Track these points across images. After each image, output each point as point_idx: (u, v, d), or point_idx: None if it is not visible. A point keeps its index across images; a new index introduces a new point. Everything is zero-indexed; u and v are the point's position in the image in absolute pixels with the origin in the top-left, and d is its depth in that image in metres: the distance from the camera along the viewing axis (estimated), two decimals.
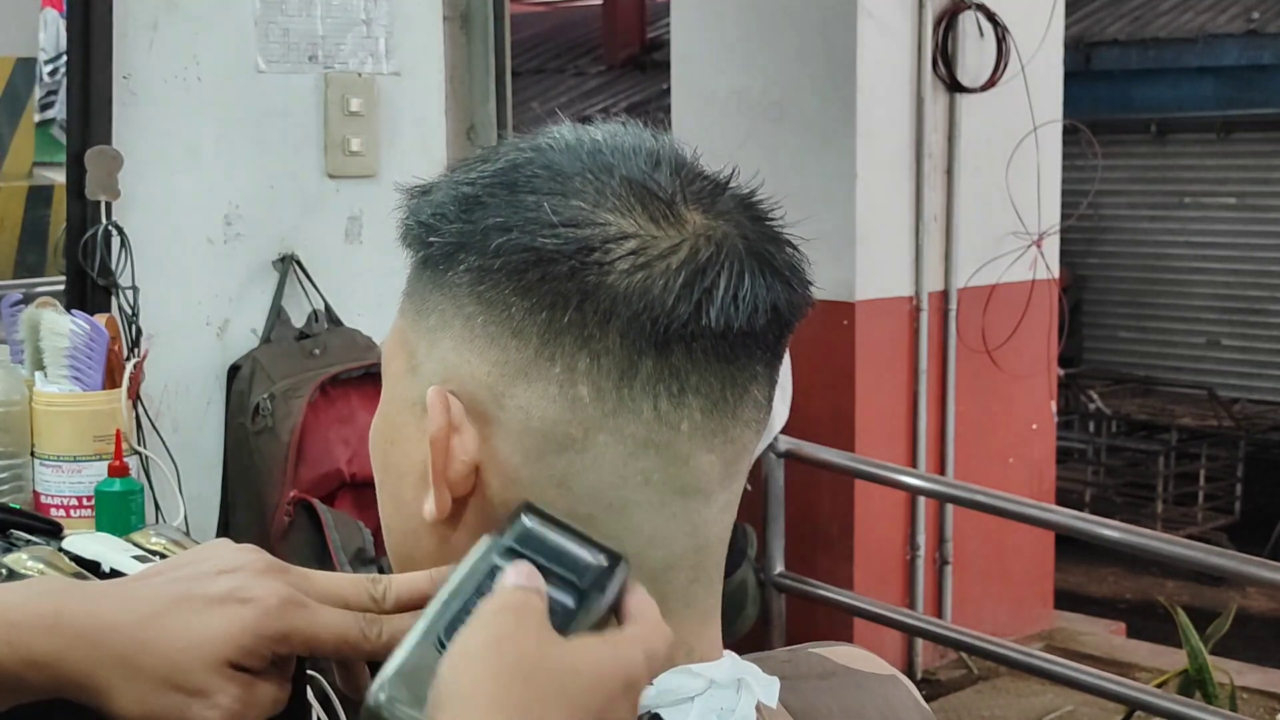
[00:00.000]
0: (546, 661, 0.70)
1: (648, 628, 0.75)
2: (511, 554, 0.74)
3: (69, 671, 0.80)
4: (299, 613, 0.80)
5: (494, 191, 0.80)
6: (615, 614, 0.76)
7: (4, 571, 2.15)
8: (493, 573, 0.74)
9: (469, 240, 0.79)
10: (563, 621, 0.73)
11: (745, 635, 4.06)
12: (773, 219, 0.83)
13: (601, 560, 0.76)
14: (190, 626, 0.79)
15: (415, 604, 0.80)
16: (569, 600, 0.74)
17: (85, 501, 2.47)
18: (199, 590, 0.80)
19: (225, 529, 3.09)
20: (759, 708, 0.83)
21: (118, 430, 2.46)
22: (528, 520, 0.76)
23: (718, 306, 0.78)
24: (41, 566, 2.10)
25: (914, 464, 5.06)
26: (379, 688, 0.72)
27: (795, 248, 0.82)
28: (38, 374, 2.54)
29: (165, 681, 0.79)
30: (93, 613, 0.81)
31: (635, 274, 0.77)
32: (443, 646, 0.72)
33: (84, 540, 2.24)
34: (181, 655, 0.79)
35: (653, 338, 0.77)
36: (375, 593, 0.81)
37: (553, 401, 0.78)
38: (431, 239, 0.81)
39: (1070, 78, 5.60)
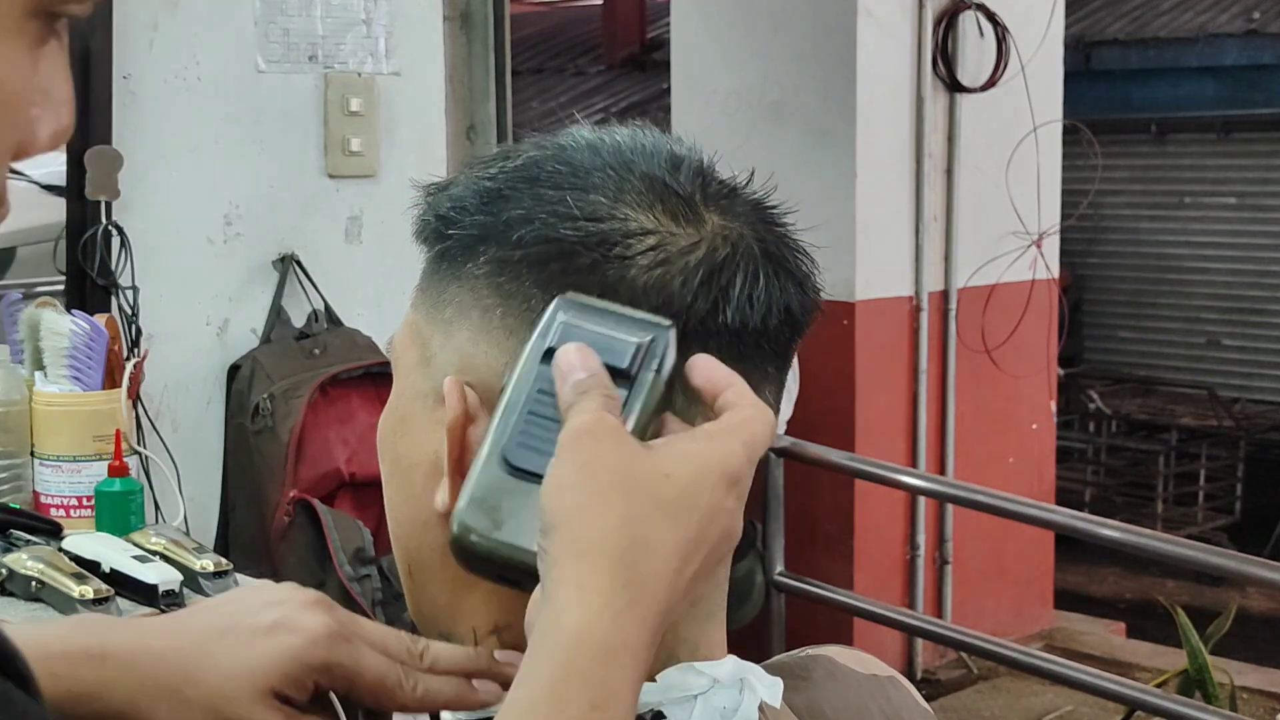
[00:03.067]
0: (637, 472, 0.70)
1: (741, 414, 0.74)
2: (553, 355, 0.73)
3: (114, 702, 0.80)
4: (343, 646, 0.80)
5: (515, 185, 0.81)
6: (679, 385, 0.75)
7: (4, 571, 2.15)
8: (540, 378, 0.73)
9: (490, 232, 0.80)
10: (624, 415, 0.72)
11: (746, 634, 4.06)
12: (785, 224, 0.84)
13: (642, 336, 0.74)
14: (237, 656, 0.80)
15: (453, 670, 0.81)
16: (622, 391, 0.73)
17: (85, 501, 2.47)
18: (246, 621, 0.81)
19: (225, 529, 3.09)
20: (762, 708, 0.83)
21: (118, 430, 2.46)
22: (563, 314, 0.74)
23: (734, 305, 0.79)
24: (42, 567, 2.11)
25: (914, 464, 5.06)
26: (459, 517, 0.72)
27: (806, 253, 0.84)
28: (38, 374, 2.54)
29: (211, 711, 0.80)
30: (138, 644, 0.81)
31: (655, 269, 0.78)
32: (508, 466, 0.72)
33: (84, 540, 2.24)
34: (228, 684, 0.79)
35: None
36: (415, 649, 0.82)
37: None
38: (451, 231, 0.82)
39: (1070, 78, 5.60)
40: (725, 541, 0.73)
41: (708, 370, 0.75)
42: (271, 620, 0.81)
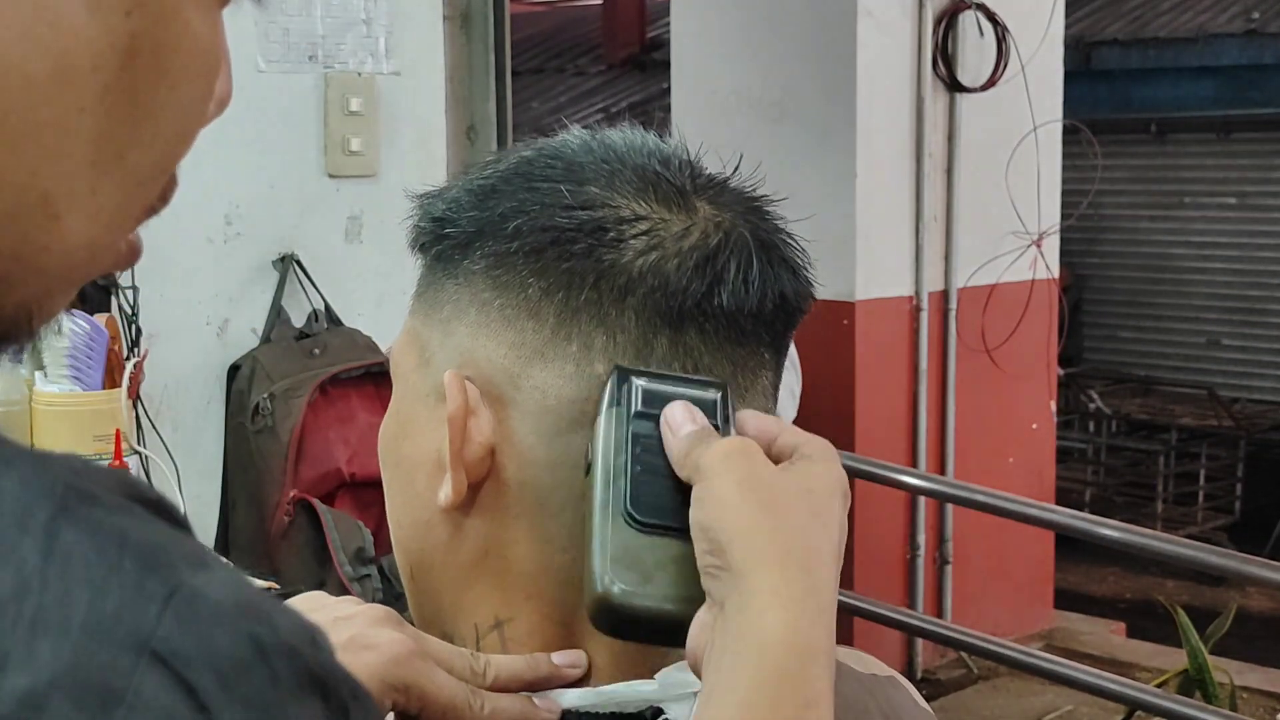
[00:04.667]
0: (789, 488, 0.74)
1: (821, 444, 0.79)
2: (643, 416, 0.76)
3: None
4: (422, 666, 0.79)
5: (509, 180, 0.82)
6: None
7: None
8: (636, 439, 0.76)
9: (485, 227, 0.81)
10: None
11: None
12: (774, 214, 0.85)
13: (717, 393, 0.78)
14: None
15: (511, 686, 0.80)
16: None
17: None
18: None
19: (225, 529, 3.09)
20: None
21: (117, 430, 2.46)
22: (639, 380, 0.77)
23: (729, 288, 0.79)
24: None
25: (914, 464, 5.06)
26: (606, 581, 0.72)
27: (797, 242, 0.84)
28: (37, 374, 2.54)
29: None
30: None
31: (649, 253, 0.79)
32: (637, 523, 0.74)
33: None
34: None
35: (667, 316, 0.79)
36: (476, 666, 0.81)
37: (570, 380, 0.79)
38: (447, 230, 0.82)
39: (1070, 78, 5.60)
40: (842, 551, 0.77)
41: (757, 421, 0.79)
42: (347, 637, 0.78)
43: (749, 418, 0.79)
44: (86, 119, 0.52)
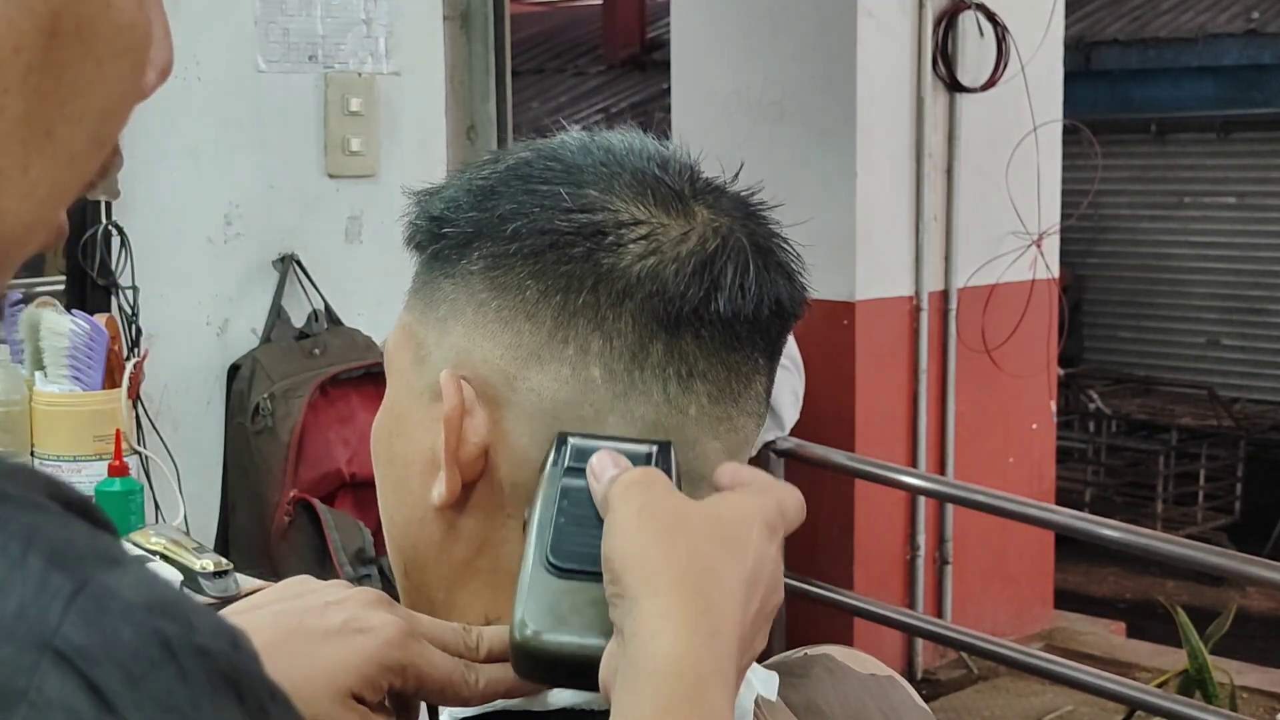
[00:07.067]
0: (691, 515, 0.74)
1: (773, 481, 0.80)
2: (574, 471, 0.77)
3: None
4: (417, 647, 0.79)
5: (508, 182, 0.82)
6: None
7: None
8: (566, 492, 0.77)
9: (483, 228, 0.81)
10: None
11: None
12: (770, 219, 0.85)
13: (653, 447, 0.79)
14: (312, 658, 0.78)
15: (504, 656, 0.81)
16: None
17: None
18: (313, 622, 0.79)
19: (225, 529, 3.09)
20: (758, 702, 0.84)
21: (117, 430, 2.46)
22: (575, 439, 0.78)
23: (726, 295, 0.80)
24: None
25: (914, 464, 5.06)
26: (522, 626, 0.74)
27: (793, 247, 0.85)
28: (38, 374, 2.54)
29: None
30: None
31: (648, 258, 0.79)
32: (556, 569, 0.75)
33: None
34: (306, 687, 0.77)
35: (664, 321, 0.79)
36: (469, 640, 0.82)
37: (565, 383, 0.79)
38: (445, 230, 0.82)
39: (1070, 78, 5.60)
40: (774, 592, 0.76)
41: (733, 472, 0.80)
42: (340, 621, 0.79)
43: (726, 469, 0.80)
44: (12, 99, 0.52)
